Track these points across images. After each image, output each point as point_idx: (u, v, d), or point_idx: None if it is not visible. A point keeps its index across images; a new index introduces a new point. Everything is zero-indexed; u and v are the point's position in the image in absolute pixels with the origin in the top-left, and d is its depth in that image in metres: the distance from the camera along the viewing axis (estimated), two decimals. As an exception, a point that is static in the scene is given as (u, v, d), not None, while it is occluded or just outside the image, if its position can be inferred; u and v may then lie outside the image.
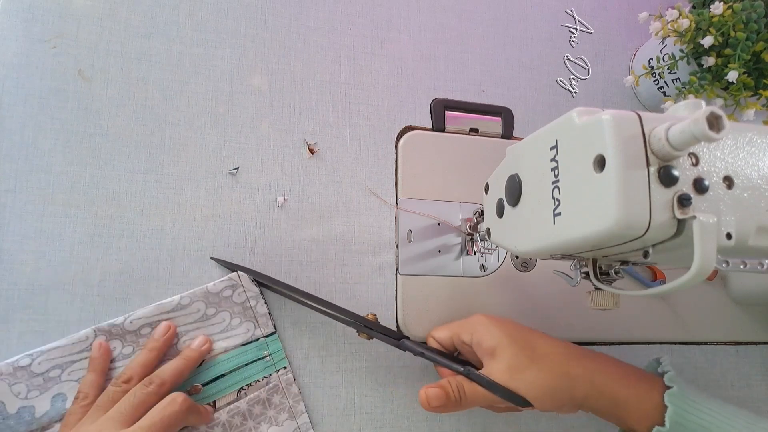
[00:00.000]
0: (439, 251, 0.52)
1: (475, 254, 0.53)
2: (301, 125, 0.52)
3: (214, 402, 0.44)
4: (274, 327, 0.47)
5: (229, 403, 0.44)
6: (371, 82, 0.55)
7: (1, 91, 0.45)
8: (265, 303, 0.47)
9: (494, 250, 0.53)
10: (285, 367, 0.46)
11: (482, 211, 0.46)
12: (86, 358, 0.42)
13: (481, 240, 0.51)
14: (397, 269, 0.51)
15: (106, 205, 0.46)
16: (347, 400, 0.48)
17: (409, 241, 0.52)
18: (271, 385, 0.45)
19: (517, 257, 0.54)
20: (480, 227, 0.49)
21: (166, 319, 0.44)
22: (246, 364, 0.45)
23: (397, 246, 0.52)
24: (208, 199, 0.48)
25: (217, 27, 0.51)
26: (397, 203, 0.52)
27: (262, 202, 0.49)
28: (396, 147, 0.54)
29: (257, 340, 0.46)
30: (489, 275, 0.53)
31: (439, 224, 0.53)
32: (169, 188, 0.47)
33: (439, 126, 0.55)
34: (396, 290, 0.51)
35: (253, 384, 0.45)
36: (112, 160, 0.47)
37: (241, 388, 0.45)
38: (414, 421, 0.49)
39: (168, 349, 0.43)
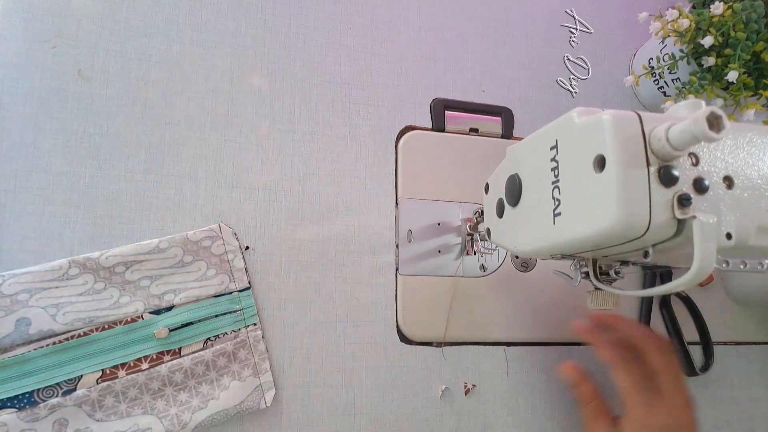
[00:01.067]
0: (439, 251, 0.52)
1: (475, 254, 0.53)
2: (301, 125, 0.52)
3: (180, 348, 0.44)
4: (249, 283, 0.47)
5: (194, 352, 0.44)
6: (371, 82, 0.55)
7: (1, 90, 0.45)
8: (243, 259, 0.47)
9: (494, 250, 0.53)
10: (255, 324, 0.46)
11: (482, 211, 0.46)
12: (57, 287, 0.42)
13: (481, 240, 0.51)
14: (397, 269, 0.51)
15: (105, 205, 0.46)
16: (347, 400, 0.48)
17: (409, 241, 0.52)
18: (238, 339, 0.45)
19: (517, 257, 0.54)
20: (480, 227, 0.49)
21: (142, 260, 0.44)
22: (216, 316, 0.45)
23: (397, 246, 0.52)
24: (208, 199, 0.48)
25: (217, 27, 0.51)
26: (397, 203, 0.52)
27: (262, 202, 0.49)
28: (396, 147, 0.54)
29: (230, 293, 0.46)
30: (489, 275, 0.53)
31: (439, 224, 0.53)
32: (168, 188, 0.47)
33: (439, 126, 0.55)
34: (396, 290, 0.51)
35: (221, 336, 0.45)
36: (111, 160, 0.47)
37: (208, 338, 0.45)
38: (414, 421, 0.49)
39: None
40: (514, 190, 0.38)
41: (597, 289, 0.37)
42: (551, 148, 0.33)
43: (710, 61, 0.51)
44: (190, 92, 0.49)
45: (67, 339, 0.42)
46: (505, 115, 0.57)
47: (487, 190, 0.44)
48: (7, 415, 0.39)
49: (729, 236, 0.29)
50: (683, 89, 0.53)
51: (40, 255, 0.43)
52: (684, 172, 0.29)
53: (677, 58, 0.54)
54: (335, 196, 0.51)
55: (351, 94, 0.54)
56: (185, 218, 0.47)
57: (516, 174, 0.38)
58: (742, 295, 0.58)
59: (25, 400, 0.40)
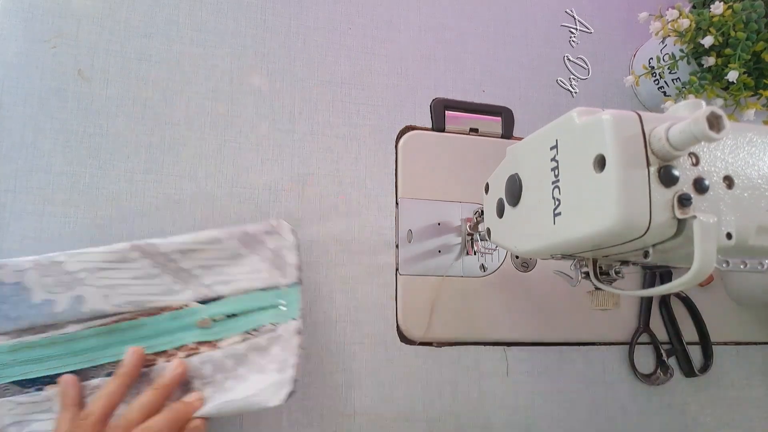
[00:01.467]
0: (439, 251, 0.52)
1: (475, 254, 0.53)
2: (301, 125, 0.52)
3: (218, 340, 0.43)
4: (299, 279, 0.45)
5: (230, 344, 0.43)
6: (371, 82, 0.55)
7: (1, 90, 0.45)
8: (297, 255, 0.46)
9: (494, 250, 0.53)
10: (294, 319, 0.44)
11: (482, 211, 0.46)
12: (115, 269, 0.42)
13: (481, 240, 0.51)
14: (397, 269, 0.51)
15: (105, 205, 0.46)
16: (347, 399, 0.48)
17: (409, 241, 0.52)
18: (275, 333, 0.44)
19: (517, 257, 0.54)
20: (480, 227, 0.49)
21: (198, 249, 0.44)
22: (260, 309, 0.45)
23: (397, 246, 0.52)
24: (208, 199, 0.48)
25: (217, 27, 0.51)
26: (397, 203, 0.52)
27: (262, 202, 0.49)
28: (396, 147, 0.54)
29: (278, 288, 0.45)
30: (489, 275, 0.53)
31: (439, 224, 0.53)
32: (168, 188, 0.47)
33: (439, 126, 0.55)
34: (396, 290, 0.51)
35: (259, 329, 0.44)
36: (111, 160, 0.47)
37: (248, 331, 0.44)
38: (414, 421, 0.49)
39: (137, 374, 0.41)
40: (514, 190, 0.38)
41: (597, 289, 0.37)
42: (551, 148, 0.33)
43: (710, 61, 0.51)
44: (190, 92, 0.49)
45: (115, 321, 0.42)
46: (505, 115, 0.57)
47: (487, 190, 0.44)
48: (52, 391, 0.40)
49: (729, 236, 0.29)
50: (683, 89, 0.53)
51: (40, 255, 0.43)
52: (684, 172, 0.29)
53: (677, 58, 0.54)
54: (335, 196, 0.51)
55: (351, 94, 0.54)
56: (185, 218, 0.47)
57: (516, 174, 0.38)
58: (742, 295, 0.58)
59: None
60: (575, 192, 0.31)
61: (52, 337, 0.41)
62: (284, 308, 0.45)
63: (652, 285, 0.56)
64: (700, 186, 0.29)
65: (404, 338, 0.50)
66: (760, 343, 0.59)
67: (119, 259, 0.43)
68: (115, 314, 0.42)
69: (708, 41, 0.49)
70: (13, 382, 0.40)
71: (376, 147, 0.53)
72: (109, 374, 0.41)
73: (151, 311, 0.43)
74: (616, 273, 0.37)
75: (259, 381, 0.43)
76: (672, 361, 0.55)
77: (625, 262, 0.36)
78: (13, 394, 0.40)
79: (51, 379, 0.40)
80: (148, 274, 0.43)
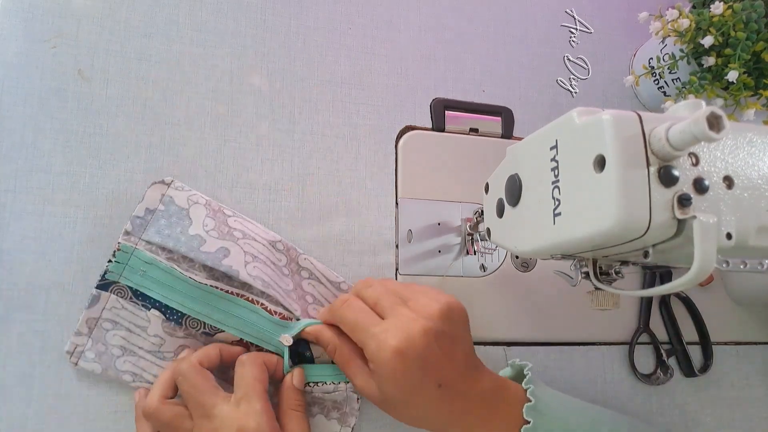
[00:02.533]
0: (439, 251, 0.52)
1: (475, 254, 0.53)
2: (301, 125, 0.52)
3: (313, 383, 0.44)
4: None
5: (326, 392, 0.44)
6: (371, 81, 0.55)
7: (0, 90, 0.45)
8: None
9: (494, 250, 0.53)
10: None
11: (482, 211, 0.46)
12: (265, 246, 0.45)
13: (481, 240, 0.51)
14: (397, 269, 0.51)
15: (106, 205, 0.46)
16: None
17: (409, 241, 0.52)
18: (334, 396, 0.44)
19: (517, 257, 0.54)
20: (480, 227, 0.49)
21: (323, 283, 0.47)
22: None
23: (397, 246, 0.52)
24: (208, 199, 0.48)
25: (216, 27, 0.51)
26: (397, 203, 0.52)
27: (262, 202, 0.49)
28: (396, 147, 0.54)
29: None
30: (489, 275, 0.53)
31: (439, 224, 0.53)
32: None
33: (439, 126, 0.55)
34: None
35: (320, 384, 0.44)
36: (111, 160, 0.47)
37: (309, 383, 0.44)
38: (414, 421, 0.49)
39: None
40: (514, 190, 0.38)
41: (597, 289, 0.37)
42: (551, 148, 0.33)
43: (710, 60, 0.51)
44: (190, 92, 0.49)
45: (232, 293, 0.43)
46: (505, 115, 0.57)
47: (487, 190, 0.44)
48: (155, 316, 0.43)
49: (729, 236, 0.29)
50: (683, 89, 0.53)
51: (40, 255, 0.43)
52: (684, 172, 0.29)
53: (677, 57, 0.54)
54: (335, 196, 0.51)
55: (351, 94, 0.54)
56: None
57: (516, 174, 0.38)
58: (742, 295, 0.58)
59: (175, 317, 0.42)
60: (575, 192, 0.31)
61: (182, 275, 0.42)
62: None
63: (652, 285, 0.56)
64: (700, 186, 0.29)
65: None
66: (760, 343, 0.59)
67: (270, 240, 0.46)
68: (239, 285, 0.43)
69: (708, 41, 0.49)
70: (130, 288, 0.43)
71: (376, 147, 0.53)
72: (204, 334, 0.43)
73: (262, 303, 0.43)
74: (616, 273, 0.37)
75: (321, 424, 0.45)
76: (672, 361, 0.55)
77: (625, 262, 0.36)
78: (125, 298, 0.43)
79: (160, 306, 0.42)
80: (281, 270, 0.45)
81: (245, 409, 0.38)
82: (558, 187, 0.33)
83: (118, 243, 0.43)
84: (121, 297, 0.43)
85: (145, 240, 0.43)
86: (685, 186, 0.28)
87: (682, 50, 0.53)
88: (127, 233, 0.43)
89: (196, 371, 0.39)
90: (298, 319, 0.44)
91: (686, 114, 0.30)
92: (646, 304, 0.56)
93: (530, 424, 0.39)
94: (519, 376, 0.45)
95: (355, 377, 0.41)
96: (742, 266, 0.32)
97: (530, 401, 0.40)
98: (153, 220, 0.44)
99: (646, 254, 0.31)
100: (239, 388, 0.39)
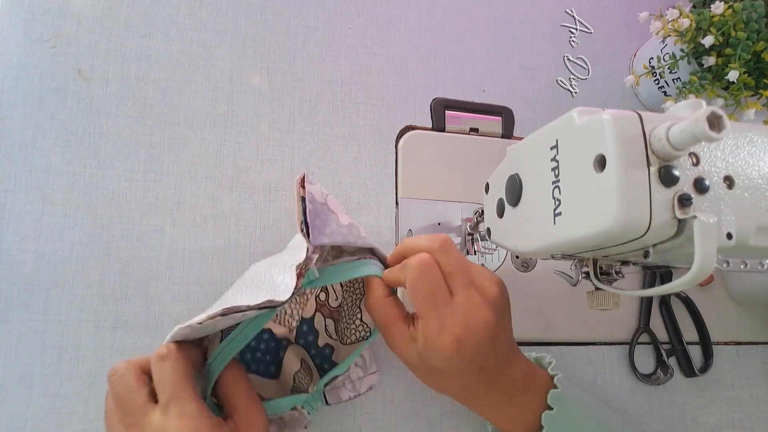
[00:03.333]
0: (439, 251, 0.52)
1: (475, 254, 0.52)
2: (301, 125, 0.52)
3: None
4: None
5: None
6: (371, 81, 0.55)
7: (0, 90, 0.45)
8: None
9: (494, 249, 0.53)
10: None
11: (482, 211, 0.46)
12: (358, 236, 0.41)
13: (481, 240, 0.51)
14: (397, 269, 0.51)
15: (105, 204, 0.46)
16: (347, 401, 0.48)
17: (409, 241, 0.52)
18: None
19: (517, 257, 0.54)
20: (480, 227, 0.49)
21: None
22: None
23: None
24: (208, 199, 0.48)
25: (216, 26, 0.51)
26: (397, 203, 0.52)
27: (262, 202, 0.49)
28: (396, 147, 0.54)
29: None
30: (489, 275, 0.53)
31: (439, 224, 0.53)
32: (168, 188, 0.47)
33: (439, 126, 0.55)
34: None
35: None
36: (111, 159, 0.46)
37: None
38: (414, 421, 0.49)
39: None
40: (515, 190, 0.38)
41: (597, 289, 0.37)
42: (551, 148, 0.33)
43: (711, 60, 0.51)
44: (190, 92, 0.49)
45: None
46: (506, 115, 0.57)
47: (487, 190, 0.44)
48: None
49: (729, 236, 0.29)
50: (684, 89, 0.53)
51: (40, 255, 0.43)
52: (684, 171, 0.29)
53: (678, 57, 0.54)
54: (335, 196, 0.51)
55: (351, 93, 0.54)
56: (185, 218, 0.47)
57: (516, 174, 0.38)
58: (742, 295, 0.58)
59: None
60: (575, 192, 0.31)
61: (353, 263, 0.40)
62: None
63: (652, 285, 0.56)
64: (700, 186, 0.29)
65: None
66: (760, 343, 0.59)
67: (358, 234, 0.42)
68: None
69: (708, 41, 0.49)
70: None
71: (376, 147, 0.53)
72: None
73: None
74: (617, 273, 0.37)
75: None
76: (672, 361, 0.55)
77: (625, 262, 0.36)
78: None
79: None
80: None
81: (176, 413, 0.33)
82: (558, 187, 0.32)
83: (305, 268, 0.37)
84: None
85: (318, 245, 0.38)
86: (685, 186, 0.28)
87: (682, 50, 0.53)
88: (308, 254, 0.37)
89: (134, 372, 0.34)
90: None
91: (687, 114, 0.30)
92: (646, 304, 0.56)
93: (553, 410, 0.40)
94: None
95: (394, 339, 0.40)
96: (742, 266, 0.32)
97: (556, 388, 0.42)
98: (311, 223, 0.38)
99: (646, 254, 0.31)
100: (164, 390, 0.33)
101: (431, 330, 0.38)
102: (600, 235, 0.29)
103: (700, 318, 0.57)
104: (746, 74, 0.50)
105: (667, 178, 0.28)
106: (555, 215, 0.33)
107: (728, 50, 0.50)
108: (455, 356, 0.37)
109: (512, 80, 0.59)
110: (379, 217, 0.52)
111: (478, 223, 0.50)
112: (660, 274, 0.56)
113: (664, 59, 0.56)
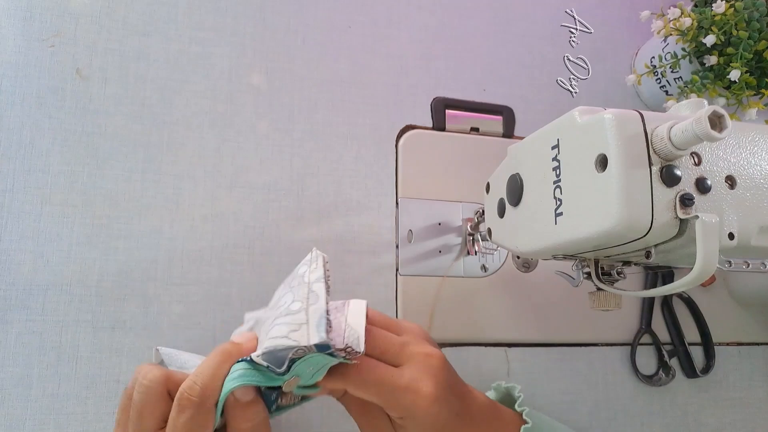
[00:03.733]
0: (440, 251, 0.52)
1: (476, 254, 0.52)
2: (301, 124, 0.51)
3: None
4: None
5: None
6: (371, 80, 0.54)
7: (-2, 90, 0.45)
8: None
9: (495, 250, 0.53)
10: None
11: (483, 211, 0.46)
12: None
13: (482, 240, 0.51)
14: (397, 269, 0.51)
15: (104, 204, 0.45)
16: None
17: (410, 241, 0.51)
18: None
19: (518, 257, 0.54)
20: (481, 227, 0.49)
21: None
22: None
23: (397, 246, 0.51)
24: (207, 199, 0.48)
25: (215, 25, 0.51)
26: (397, 203, 0.52)
27: (262, 202, 0.49)
28: (396, 146, 0.54)
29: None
30: (490, 275, 0.53)
31: (439, 224, 0.52)
32: (167, 188, 0.47)
33: (439, 125, 0.55)
34: (396, 290, 0.50)
35: None
36: (110, 159, 0.46)
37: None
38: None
39: None
40: (516, 190, 0.37)
41: (599, 289, 0.37)
42: (553, 148, 0.33)
43: (712, 59, 0.51)
44: (189, 91, 0.49)
45: None
46: (507, 114, 0.57)
47: (488, 189, 0.44)
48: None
49: (731, 236, 0.29)
50: (685, 88, 0.53)
51: (38, 255, 0.43)
52: (686, 171, 0.28)
53: (679, 56, 0.54)
54: (335, 195, 0.51)
55: (351, 93, 0.53)
56: (183, 218, 0.47)
57: (517, 174, 0.38)
58: (744, 295, 0.58)
59: None
60: (577, 192, 0.31)
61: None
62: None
63: (654, 285, 0.56)
64: (702, 186, 0.29)
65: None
66: (762, 344, 0.59)
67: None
68: None
69: (710, 40, 0.49)
70: None
71: (376, 146, 0.53)
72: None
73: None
74: (618, 273, 0.37)
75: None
76: (674, 362, 0.55)
77: (627, 263, 0.36)
78: None
79: None
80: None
81: None
82: (560, 187, 0.32)
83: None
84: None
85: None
86: (687, 186, 0.28)
87: (684, 49, 0.53)
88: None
89: (157, 392, 0.33)
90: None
91: (688, 113, 0.29)
92: (648, 304, 0.56)
93: None
94: (503, 399, 0.44)
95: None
96: (744, 266, 0.32)
97: (527, 423, 0.39)
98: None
99: (648, 254, 0.30)
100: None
101: (407, 405, 0.34)
102: (601, 235, 0.29)
103: (701, 318, 0.56)
104: (748, 73, 0.50)
105: (669, 177, 0.28)
106: (556, 215, 0.32)
107: (730, 49, 0.50)
108: (439, 412, 0.35)
109: (513, 79, 0.59)
110: (379, 217, 0.51)
111: (478, 223, 0.50)
112: (662, 274, 0.56)
113: (665, 58, 0.56)
